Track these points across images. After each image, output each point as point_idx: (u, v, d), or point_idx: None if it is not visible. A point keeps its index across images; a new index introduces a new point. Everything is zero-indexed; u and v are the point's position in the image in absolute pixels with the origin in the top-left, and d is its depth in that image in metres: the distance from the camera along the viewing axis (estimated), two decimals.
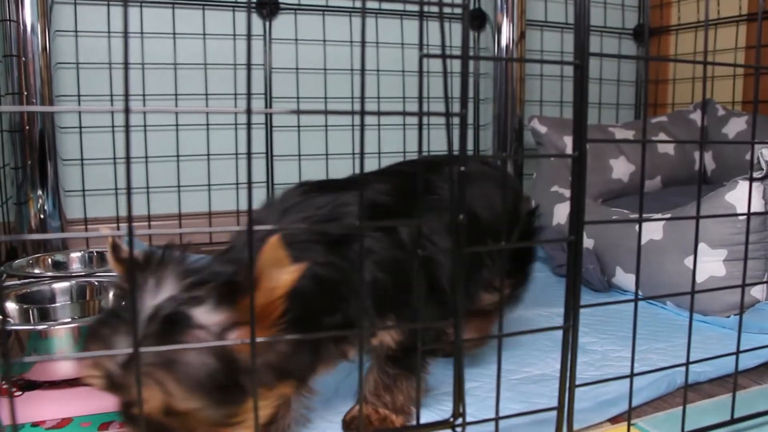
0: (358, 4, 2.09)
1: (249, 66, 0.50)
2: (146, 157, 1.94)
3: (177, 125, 1.96)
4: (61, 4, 1.83)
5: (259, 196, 1.70)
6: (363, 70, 0.53)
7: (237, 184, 2.03)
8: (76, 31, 1.87)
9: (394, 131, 2.18)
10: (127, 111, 0.47)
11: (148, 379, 0.55)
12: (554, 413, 0.75)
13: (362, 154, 0.57)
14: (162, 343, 0.56)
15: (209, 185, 2.01)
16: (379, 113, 0.58)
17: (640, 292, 1.47)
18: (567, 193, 1.80)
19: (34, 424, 0.90)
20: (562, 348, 0.74)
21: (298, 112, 0.80)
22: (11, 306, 1.12)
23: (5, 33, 1.62)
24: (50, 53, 1.71)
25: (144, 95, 1.92)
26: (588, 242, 1.56)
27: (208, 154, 2.00)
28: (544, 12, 2.36)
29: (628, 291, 1.50)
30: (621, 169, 1.99)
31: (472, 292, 0.97)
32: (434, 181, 0.89)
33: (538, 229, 1.13)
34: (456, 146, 0.61)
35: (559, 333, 0.73)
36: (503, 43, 2.11)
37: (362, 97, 0.55)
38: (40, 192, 1.73)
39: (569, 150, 1.96)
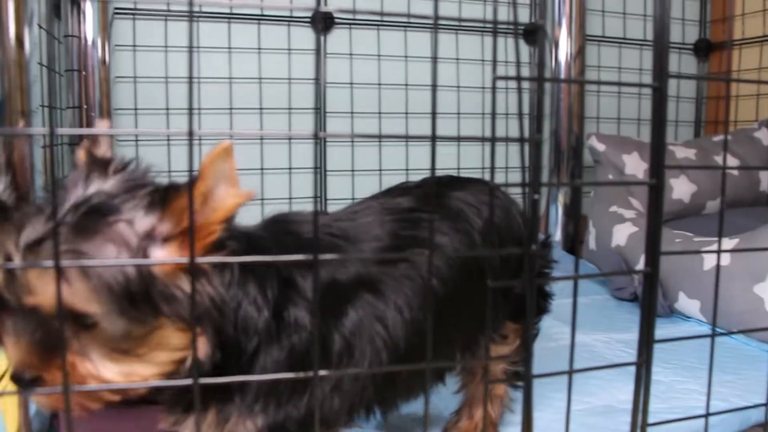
0: (414, 19, 2.08)
1: (320, 85, 0.48)
2: (190, 171, 1.94)
3: (231, 139, 1.96)
4: (120, 19, 1.85)
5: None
6: (434, 86, 0.51)
7: (290, 198, 2.02)
8: (134, 46, 1.90)
9: (448, 147, 2.16)
10: (190, 134, 0.46)
11: (48, 270, 0.50)
12: None
13: (433, 169, 0.55)
14: (79, 233, 0.52)
15: (262, 199, 2.01)
16: (458, 138, 0.56)
17: (704, 319, 1.42)
18: (627, 213, 1.75)
19: None
20: (635, 383, 0.70)
21: (380, 136, 0.77)
22: None
23: (67, 48, 1.65)
24: (109, 67, 1.73)
25: (200, 109, 1.94)
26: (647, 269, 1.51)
27: (262, 168, 2.00)
28: (602, 27, 2.32)
29: (691, 317, 1.45)
30: (682, 189, 1.93)
31: (477, 342, 0.84)
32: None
33: (551, 262, 0.97)
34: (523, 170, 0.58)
35: (621, 360, 0.69)
36: (561, 58, 2.07)
37: (433, 117, 0.53)
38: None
39: (630, 169, 1.93)
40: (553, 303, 1.54)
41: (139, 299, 0.52)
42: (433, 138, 0.52)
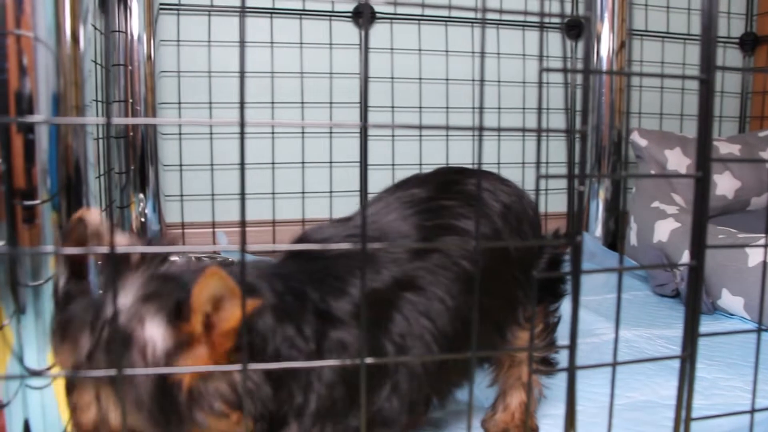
0: (455, 14, 2.08)
1: (365, 79, 0.48)
2: (242, 164, 1.97)
3: (273, 133, 1.98)
4: (165, 14, 1.88)
5: (352, 205, 1.70)
6: (483, 81, 0.51)
7: (331, 192, 2.04)
8: (178, 41, 1.93)
9: (488, 142, 2.15)
10: (242, 125, 0.47)
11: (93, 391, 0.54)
12: None
13: (479, 163, 0.55)
14: (110, 357, 0.54)
15: (303, 193, 2.03)
16: (499, 129, 0.56)
17: (747, 316, 1.40)
18: (669, 209, 1.73)
19: None
20: (678, 378, 0.70)
21: (420, 126, 0.78)
22: None
23: (114, 43, 1.68)
24: (154, 62, 1.76)
25: (242, 103, 1.95)
26: (693, 263, 1.49)
27: (303, 162, 2.02)
28: (645, 21, 2.29)
29: (734, 315, 1.43)
30: (726, 185, 1.90)
31: (506, 333, 0.84)
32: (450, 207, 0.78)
33: (563, 254, 0.92)
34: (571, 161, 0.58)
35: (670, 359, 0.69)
36: (603, 52, 2.05)
37: (481, 110, 0.53)
38: (141, 196, 1.78)
39: (672, 165, 1.90)
40: (595, 299, 1.54)
41: (170, 409, 0.55)
42: (481, 129, 0.52)
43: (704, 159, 0.67)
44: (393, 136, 2.07)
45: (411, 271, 0.71)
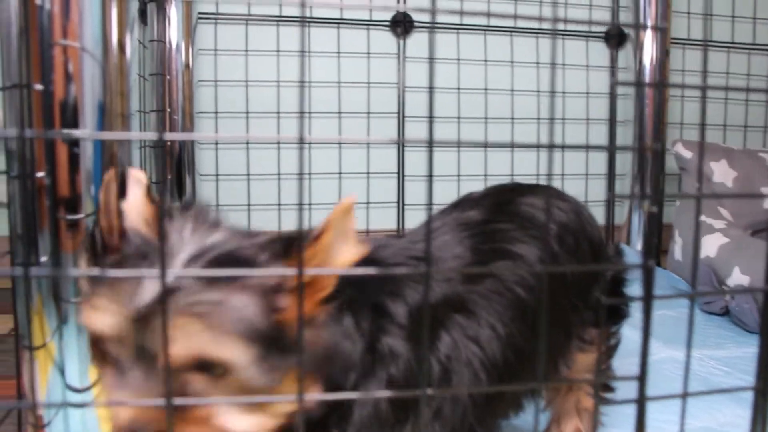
0: (494, 22, 2.05)
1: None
2: (279, 174, 1.97)
3: (310, 144, 1.97)
4: (203, 23, 1.88)
5: (389, 217, 1.67)
6: (553, 92, 0.48)
7: (368, 203, 2.02)
8: (215, 50, 1.92)
9: (525, 153, 2.12)
10: (301, 142, 0.44)
11: (184, 317, 0.47)
12: None
13: (548, 175, 0.52)
14: (207, 284, 0.49)
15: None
16: (563, 147, 0.53)
17: None
18: (716, 223, 1.68)
19: None
20: (752, 411, 0.66)
21: (483, 144, 0.75)
22: None
23: (152, 52, 1.68)
24: (192, 71, 1.76)
25: (278, 113, 1.95)
26: (743, 279, 1.45)
27: (340, 173, 2.00)
28: (687, 29, 2.24)
29: None
30: None
31: (565, 352, 0.81)
32: (506, 230, 0.76)
33: (626, 271, 0.91)
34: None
35: (722, 381, 0.65)
36: (645, 61, 2.00)
37: (551, 124, 0.50)
38: (178, 205, 1.77)
39: (718, 177, 1.85)
40: (640, 316, 1.49)
41: (271, 348, 0.51)
42: (550, 146, 0.49)
43: None
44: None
45: (463, 293, 0.69)
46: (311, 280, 0.53)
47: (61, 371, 0.71)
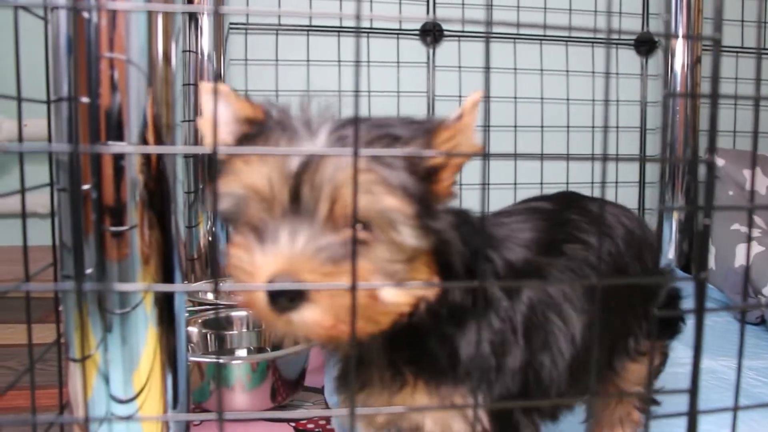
0: (523, 31, 2.05)
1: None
2: None
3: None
4: (234, 34, 1.90)
5: None
6: (607, 100, 0.48)
7: None
8: (246, 60, 1.94)
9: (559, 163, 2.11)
10: (355, 153, 0.44)
11: (352, 171, 0.44)
12: None
13: (603, 182, 0.52)
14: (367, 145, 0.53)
15: None
16: (617, 159, 0.53)
17: None
18: (751, 232, 1.67)
19: None
20: None
21: (513, 154, 0.75)
22: (192, 330, 1.14)
23: (185, 63, 1.69)
24: (225, 81, 1.77)
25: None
26: None
27: None
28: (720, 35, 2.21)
29: None
30: None
31: (615, 362, 0.80)
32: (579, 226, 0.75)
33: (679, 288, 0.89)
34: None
35: (761, 392, 0.64)
36: (677, 68, 1.98)
37: (605, 133, 0.50)
38: (209, 214, 1.78)
39: (750, 185, 1.83)
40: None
41: (422, 213, 0.52)
42: (604, 158, 0.49)
43: None
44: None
45: (542, 264, 0.69)
46: (447, 161, 0.55)
47: (106, 381, 0.71)
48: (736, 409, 0.62)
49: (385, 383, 0.60)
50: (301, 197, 0.50)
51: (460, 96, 2.02)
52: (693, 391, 0.57)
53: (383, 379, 0.61)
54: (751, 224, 1.49)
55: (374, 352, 0.60)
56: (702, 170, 1.99)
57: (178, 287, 0.50)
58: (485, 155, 0.47)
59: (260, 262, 0.49)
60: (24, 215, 0.73)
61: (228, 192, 0.52)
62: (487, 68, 0.64)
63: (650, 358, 0.79)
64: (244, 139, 0.56)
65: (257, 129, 0.56)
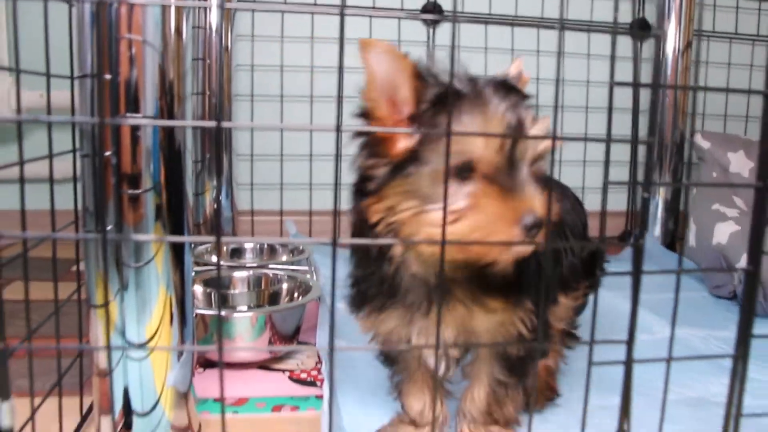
0: (521, 14, 2.11)
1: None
2: (311, 155, 2.06)
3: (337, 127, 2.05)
4: (241, 10, 1.97)
5: None
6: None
7: None
8: (252, 36, 2.01)
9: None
10: (338, 130, 0.53)
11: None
12: None
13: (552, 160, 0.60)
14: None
15: None
16: (561, 138, 0.61)
17: None
18: (729, 212, 1.74)
19: (216, 400, 1.00)
20: (731, 376, 0.74)
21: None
22: (197, 289, 1.23)
23: (195, 38, 1.77)
24: (231, 56, 1.85)
25: (311, 97, 2.04)
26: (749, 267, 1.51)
27: None
28: (713, 21, 2.28)
29: None
30: None
31: (552, 293, 0.94)
32: None
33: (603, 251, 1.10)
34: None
35: (724, 360, 0.73)
36: (668, 52, 2.05)
37: (555, 112, 0.58)
38: (215, 184, 1.87)
39: (735, 167, 1.91)
40: (652, 298, 1.56)
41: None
42: (554, 138, 0.57)
43: (765, 169, 0.71)
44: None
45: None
46: None
47: (122, 327, 0.80)
48: (669, 359, 0.71)
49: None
50: (515, 155, 0.66)
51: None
52: (629, 342, 0.66)
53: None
54: (686, 193, 1.57)
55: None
56: (688, 151, 2.07)
57: (188, 239, 0.59)
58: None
59: (518, 207, 0.64)
60: (51, 179, 0.82)
61: (459, 151, 0.65)
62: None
63: (580, 294, 0.98)
64: (435, 105, 0.68)
65: (436, 95, 0.68)
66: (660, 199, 2.08)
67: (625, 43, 2.16)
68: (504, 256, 0.66)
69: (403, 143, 0.68)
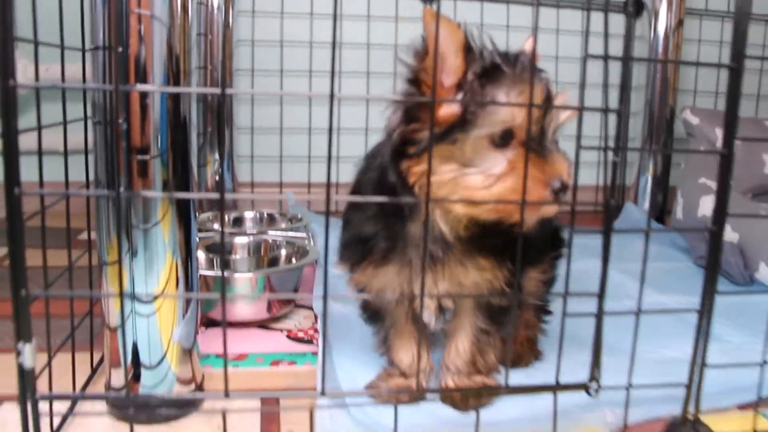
0: None
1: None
2: (309, 128, 2.11)
3: (339, 100, 2.10)
4: None
5: None
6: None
7: None
8: (253, 11, 2.05)
9: None
10: (332, 96, 0.58)
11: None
12: (684, 391, 0.81)
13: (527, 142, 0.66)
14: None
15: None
16: (532, 105, 0.66)
17: None
18: (714, 185, 1.79)
19: (218, 356, 1.06)
20: (696, 329, 0.80)
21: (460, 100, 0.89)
22: (200, 255, 1.29)
23: (198, 14, 1.81)
24: (233, 31, 1.89)
25: (310, 71, 2.08)
26: (733, 236, 1.57)
27: (366, 128, 2.12)
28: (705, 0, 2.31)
29: None
30: None
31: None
32: None
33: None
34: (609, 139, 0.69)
35: (693, 318, 0.79)
36: (660, 30, 2.09)
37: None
38: (217, 157, 1.92)
39: (720, 143, 1.95)
40: (638, 266, 1.61)
41: None
42: (530, 106, 0.63)
43: (730, 137, 0.77)
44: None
45: None
46: None
47: (131, 283, 0.86)
48: (638, 312, 0.77)
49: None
50: (544, 124, 0.75)
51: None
52: (600, 295, 0.72)
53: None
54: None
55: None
56: (679, 127, 2.12)
57: (194, 195, 0.64)
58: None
59: (548, 171, 0.72)
60: (66, 148, 0.87)
61: (502, 120, 0.72)
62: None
63: (546, 268, 1.03)
64: (482, 76, 0.74)
65: (482, 66, 0.75)
66: (649, 174, 2.14)
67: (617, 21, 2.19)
68: (532, 215, 0.74)
69: (449, 110, 0.73)
